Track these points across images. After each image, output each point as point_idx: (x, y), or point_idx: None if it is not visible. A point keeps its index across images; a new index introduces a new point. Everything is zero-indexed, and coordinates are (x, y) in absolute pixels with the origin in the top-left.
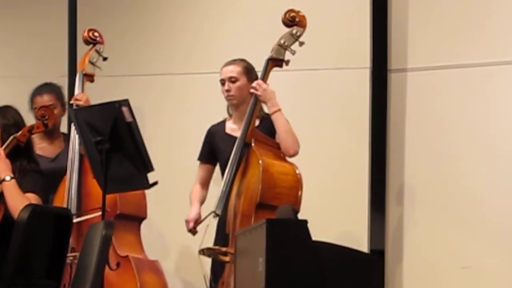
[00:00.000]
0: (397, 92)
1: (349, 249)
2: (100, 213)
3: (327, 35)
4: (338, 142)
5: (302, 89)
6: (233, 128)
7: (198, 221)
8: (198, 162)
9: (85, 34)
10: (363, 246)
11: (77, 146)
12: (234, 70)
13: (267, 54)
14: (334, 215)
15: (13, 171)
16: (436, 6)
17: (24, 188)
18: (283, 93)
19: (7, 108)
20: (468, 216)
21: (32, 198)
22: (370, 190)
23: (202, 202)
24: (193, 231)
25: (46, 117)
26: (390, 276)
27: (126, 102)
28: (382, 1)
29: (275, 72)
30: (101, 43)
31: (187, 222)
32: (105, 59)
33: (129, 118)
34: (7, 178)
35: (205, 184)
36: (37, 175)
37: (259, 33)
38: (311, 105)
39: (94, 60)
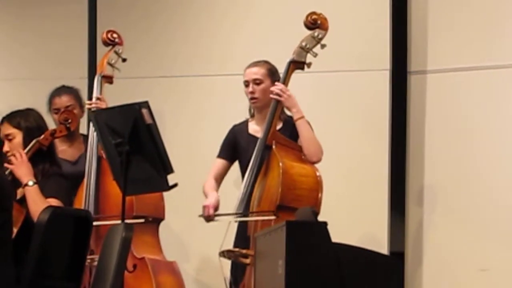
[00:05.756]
0: (417, 94)
1: (369, 251)
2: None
3: (347, 38)
4: (358, 144)
5: (322, 91)
6: (256, 130)
7: (217, 208)
8: (217, 158)
9: (104, 35)
10: (383, 248)
11: (95, 148)
12: (258, 72)
13: (286, 55)
14: (354, 217)
15: (36, 175)
16: (456, 8)
17: (46, 193)
18: (302, 95)
19: (30, 111)
20: (488, 218)
21: (54, 203)
22: (390, 192)
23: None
24: (210, 217)
25: (69, 120)
26: (409, 278)
27: (146, 104)
28: (402, 3)
29: (294, 74)
30: (120, 44)
31: (205, 207)
32: (124, 60)
33: (149, 120)
34: (30, 183)
35: (218, 179)
36: (60, 178)
37: (278, 34)
38: (331, 107)
39: (113, 61)
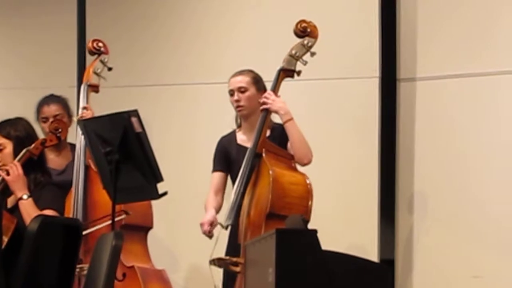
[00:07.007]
0: (406, 101)
1: (359, 259)
2: (107, 223)
3: (336, 45)
4: (347, 152)
5: (312, 98)
6: (244, 139)
7: (214, 224)
8: (213, 172)
9: (90, 44)
10: (373, 255)
11: (82, 157)
12: (243, 80)
13: (277, 64)
14: (343, 225)
15: (28, 185)
16: (445, 16)
17: (42, 204)
18: (292, 102)
19: (19, 120)
20: (478, 225)
21: (50, 214)
22: (380, 199)
23: (217, 209)
24: (208, 234)
25: (59, 130)
26: (400, 286)
27: (135, 113)
28: (391, 10)
29: (284, 82)
30: (106, 53)
31: (202, 225)
32: (110, 69)
33: (138, 129)
34: (25, 197)
35: (219, 192)
36: (53, 188)
37: (268, 43)
38: (321, 114)
39: (99, 70)
